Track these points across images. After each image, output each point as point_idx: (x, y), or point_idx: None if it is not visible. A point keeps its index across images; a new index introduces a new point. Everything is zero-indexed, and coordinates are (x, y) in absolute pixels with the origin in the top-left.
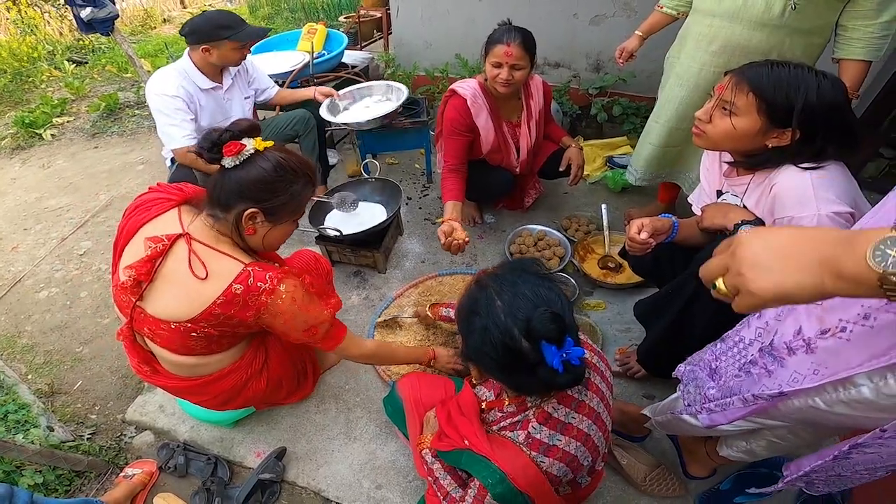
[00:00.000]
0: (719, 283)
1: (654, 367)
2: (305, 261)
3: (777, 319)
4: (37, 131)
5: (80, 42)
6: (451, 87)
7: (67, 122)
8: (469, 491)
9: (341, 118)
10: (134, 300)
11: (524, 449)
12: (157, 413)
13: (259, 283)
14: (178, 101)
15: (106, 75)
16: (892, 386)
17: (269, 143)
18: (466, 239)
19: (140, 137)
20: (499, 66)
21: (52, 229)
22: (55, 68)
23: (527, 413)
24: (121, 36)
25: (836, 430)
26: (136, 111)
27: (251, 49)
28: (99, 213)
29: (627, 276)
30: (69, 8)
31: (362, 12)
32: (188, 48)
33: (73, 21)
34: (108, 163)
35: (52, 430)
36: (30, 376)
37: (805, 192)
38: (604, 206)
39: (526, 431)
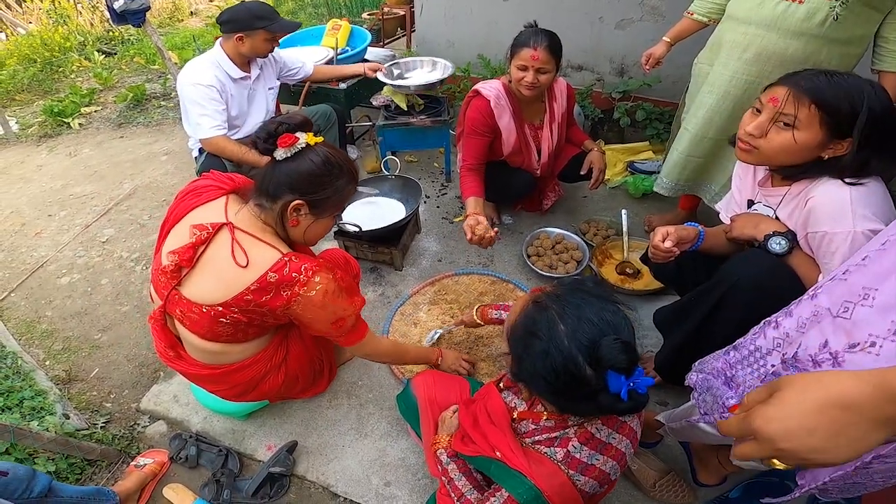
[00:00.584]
0: (777, 464)
1: (669, 375)
2: (336, 259)
3: (799, 331)
4: (65, 120)
5: (111, 33)
6: (475, 87)
7: (95, 111)
8: (492, 499)
9: (399, 82)
10: (173, 284)
11: (562, 467)
12: (171, 403)
13: (294, 274)
14: (212, 91)
15: (134, 66)
16: None
17: (320, 139)
18: (494, 232)
19: (165, 128)
20: (524, 69)
21: (76, 216)
22: (85, 59)
23: (566, 431)
24: (151, 28)
25: None
26: (162, 102)
27: (279, 42)
28: (122, 202)
29: (645, 282)
30: None
31: (386, 10)
32: (221, 37)
33: (105, 12)
34: (133, 152)
35: (67, 417)
36: (47, 362)
37: (842, 208)
38: (624, 211)
39: (565, 450)
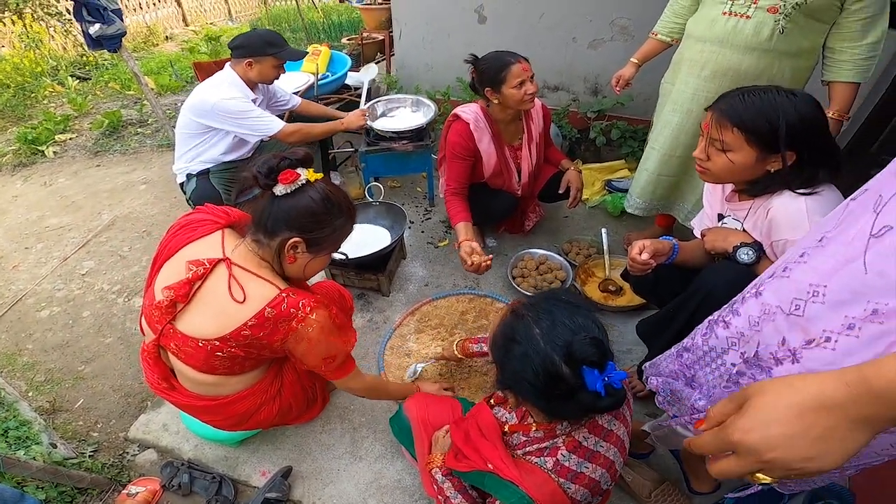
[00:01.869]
0: (763, 478)
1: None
2: (331, 293)
3: (753, 329)
4: (39, 148)
5: (84, 58)
6: (454, 111)
7: (70, 139)
8: None
9: (380, 124)
10: (167, 319)
11: (552, 475)
12: (160, 431)
13: (292, 309)
14: (248, 99)
15: (108, 92)
16: None
17: (319, 175)
18: (489, 260)
19: (142, 156)
20: (522, 83)
21: (53, 248)
22: (58, 84)
23: (555, 440)
24: (127, 53)
25: None
26: (139, 129)
27: (284, 69)
28: (101, 233)
29: (628, 298)
30: (77, 23)
31: (365, 34)
32: (231, 62)
33: (78, 36)
34: (111, 181)
35: (54, 446)
36: (30, 394)
37: (799, 216)
38: (604, 230)
39: (555, 458)
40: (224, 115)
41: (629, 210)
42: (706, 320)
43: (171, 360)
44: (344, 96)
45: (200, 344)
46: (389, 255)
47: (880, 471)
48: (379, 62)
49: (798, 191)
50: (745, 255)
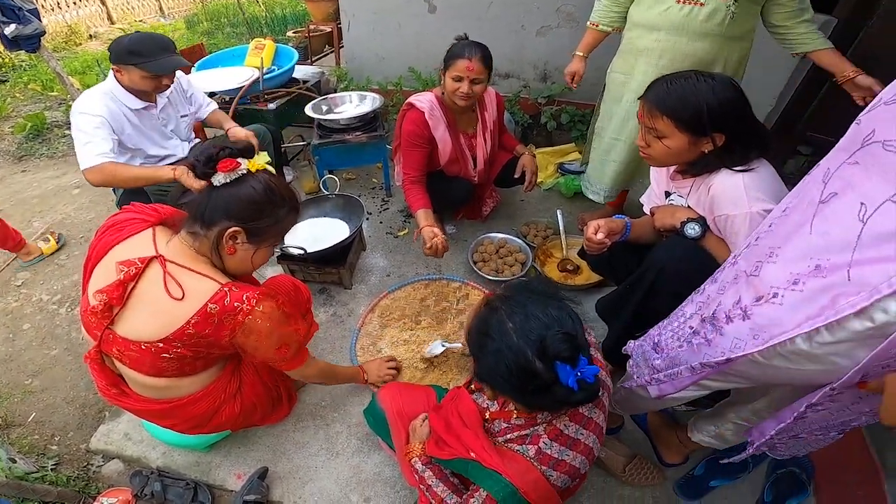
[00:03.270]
0: None
1: (618, 360)
2: (285, 288)
3: (719, 292)
4: None
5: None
6: (409, 100)
7: None
8: (471, 500)
9: (330, 116)
10: (105, 324)
11: (535, 463)
12: (123, 441)
13: (236, 303)
14: (97, 120)
15: (29, 94)
16: (825, 335)
17: (262, 165)
18: (445, 241)
19: (72, 159)
20: (459, 80)
21: None
22: None
23: (536, 428)
24: (48, 53)
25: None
26: (66, 131)
27: (173, 79)
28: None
29: (586, 277)
30: None
31: (312, 27)
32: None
33: None
34: (40, 187)
35: (13, 461)
36: None
37: (737, 192)
38: (559, 211)
39: (536, 446)
40: (72, 125)
41: (592, 198)
42: (694, 291)
43: (117, 366)
44: (293, 90)
45: (143, 347)
46: (349, 248)
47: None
48: (328, 55)
49: (735, 168)
50: (692, 230)
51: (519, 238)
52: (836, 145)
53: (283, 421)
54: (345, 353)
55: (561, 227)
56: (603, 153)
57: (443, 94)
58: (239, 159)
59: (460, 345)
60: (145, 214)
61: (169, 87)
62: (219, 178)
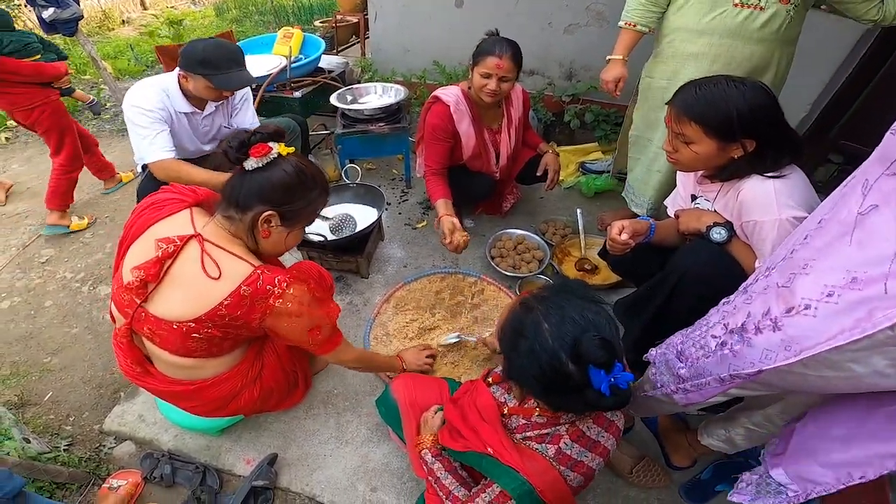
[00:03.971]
0: None
1: (634, 362)
2: (310, 272)
3: (746, 302)
4: None
5: None
6: (435, 93)
7: None
8: (483, 495)
9: (354, 106)
10: (139, 301)
11: (553, 463)
12: (136, 423)
13: (268, 286)
14: (155, 115)
15: None
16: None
17: (292, 149)
18: (466, 237)
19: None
20: (488, 76)
21: (10, 236)
22: None
23: (558, 428)
24: (84, 37)
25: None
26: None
27: (234, 92)
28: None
29: (603, 277)
30: (31, 9)
31: (339, 17)
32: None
33: (28, 22)
34: None
35: (27, 441)
36: None
37: (767, 199)
38: (579, 210)
39: (556, 446)
40: (126, 118)
41: (636, 210)
42: (722, 300)
43: (145, 346)
44: (318, 79)
45: (175, 326)
46: (368, 237)
47: None
48: (353, 45)
49: (766, 174)
50: (718, 235)
51: (537, 235)
52: (872, 155)
53: (296, 407)
54: (358, 342)
55: (580, 227)
56: (649, 163)
57: (469, 88)
58: (270, 143)
59: (475, 339)
60: (183, 195)
61: (227, 98)
62: (251, 163)
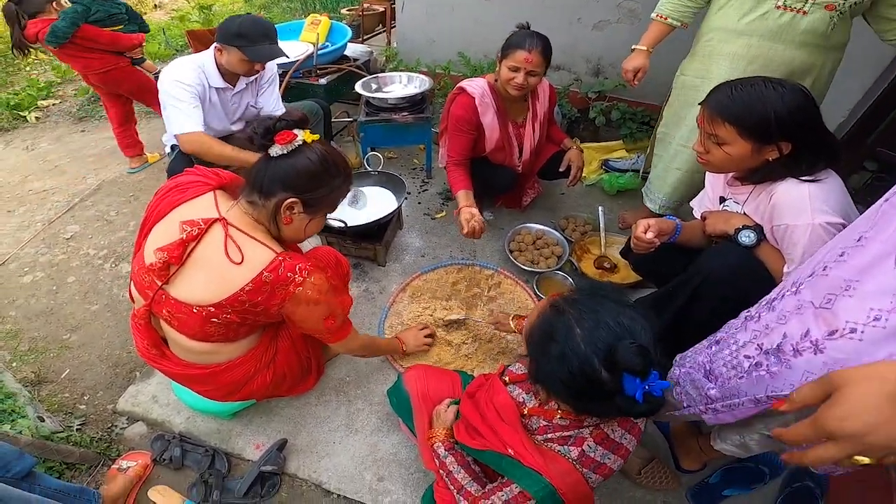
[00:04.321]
0: (864, 460)
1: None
2: (328, 258)
3: (779, 322)
4: (21, 113)
5: None
6: (460, 84)
7: (53, 104)
8: (500, 493)
9: (378, 94)
10: (160, 283)
11: (577, 466)
12: (150, 403)
13: (289, 273)
14: (191, 90)
15: None
16: None
17: (317, 137)
18: (482, 222)
19: None
20: (516, 70)
21: (36, 212)
22: (41, 52)
23: (581, 430)
24: None
25: None
26: None
27: (264, 67)
28: (87, 198)
29: (622, 276)
30: None
31: (366, 5)
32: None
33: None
34: (96, 147)
35: (41, 420)
36: (14, 364)
37: (801, 203)
38: (600, 208)
39: (580, 449)
40: (161, 92)
41: (649, 206)
42: (742, 315)
43: (162, 328)
44: (343, 67)
45: (195, 311)
46: (387, 225)
47: None
48: (379, 34)
49: (801, 178)
50: (747, 238)
51: (557, 231)
52: None
53: (308, 393)
54: (373, 330)
55: (601, 224)
56: (668, 159)
57: (496, 80)
58: (295, 131)
59: (481, 321)
60: (207, 178)
61: (258, 73)
62: (276, 150)
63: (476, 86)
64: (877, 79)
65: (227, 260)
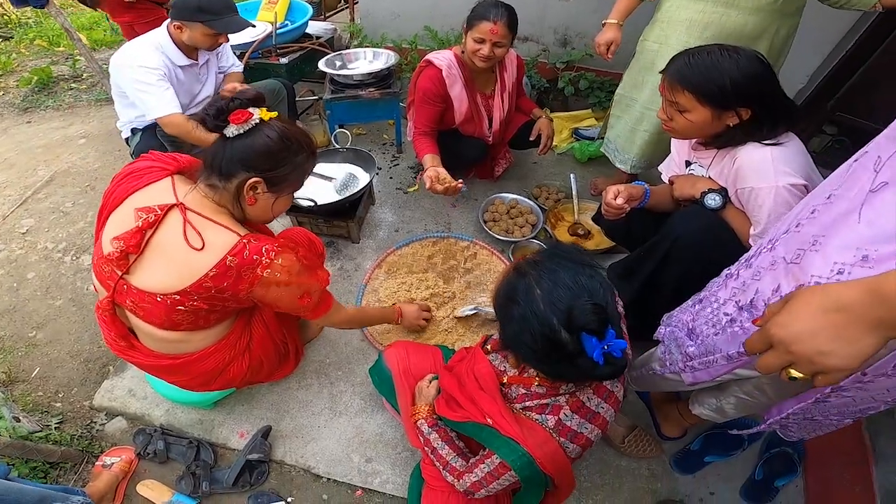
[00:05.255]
0: (794, 373)
1: (628, 328)
2: (299, 239)
3: (754, 278)
4: None
5: (4, 17)
6: (427, 57)
7: None
8: (481, 465)
9: (343, 71)
10: (120, 273)
11: (553, 434)
12: (127, 398)
13: (255, 256)
14: (158, 73)
15: (35, 50)
16: None
17: (274, 114)
18: (459, 183)
19: (79, 111)
20: (481, 41)
21: None
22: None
23: (558, 398)
24: (56, 9)
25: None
26: (73, 84)
27: (228, 38)
28: (40, 190)
29: (596, 241)
30: None
31: None
32: (168, 20)
33: None
34: (45, 137)
35: (17, 420)
36: None
37: (765, 166)
38: (572, 175)
39: (556, 417)
40: (127, 80)
41: (620, 167)
42: (723, 274)
43: (129, 318)
44: (305, 45)
45: (159, 299)
46: (359, 202)
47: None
48: (342, 11)
49: (763, 142)
50: (713, 201)
51: (530, 200)
52: (885, 132)
53: (288, 378)
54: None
55: (574, 192)
56: (634, 122)
57: (462, 52)
58: (251, 109)
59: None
60: (164, 163)
61: (221, 45)
62: (231, 130)
63: (443, 58)
64: (834, 47)
65: (187, 246)
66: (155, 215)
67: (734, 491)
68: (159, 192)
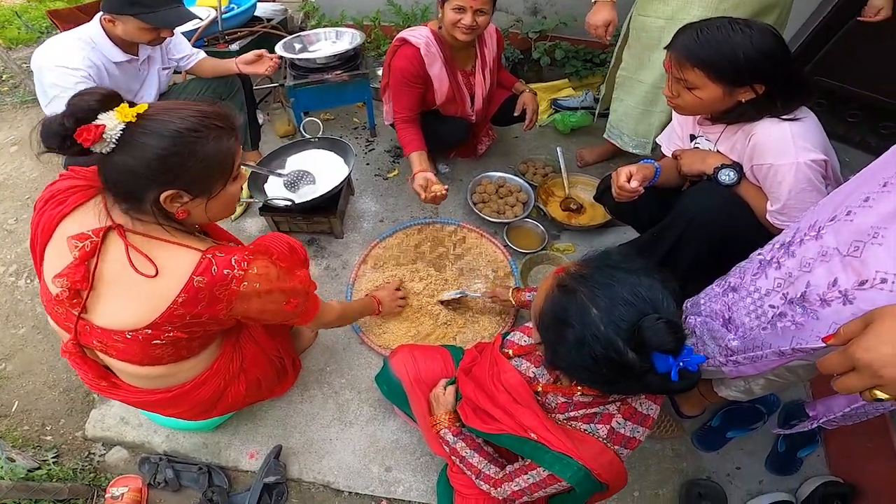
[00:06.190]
0: (881, 394)
1: None
2: (276, 247)
3: (803, 270)
4: None
5: None
6: (401, 35)
7: None
8: (524, 476)
9: (305, 55)
10: (76, 313)
11: (608, 444)
12: (120, 426)
13: (225, 271)
14: (79, 75)
15: None
16: None
17: (142, 108)
18: (445, 189)
19: (4, 115)
20: (461, 10)
21: None
22: None
23: (607, 407)
24: None
25: None
26: None
27: (173, 32)
28: None
29: (590, 216)
30: None
31: None
32: (100, 12)
33: None
34: None
35: (12, 460)
36: None
37: (784, 142)
38: (559, 148)
39: (608, 426)
40: (46, 82)
41: (636, 151)
42: (755, 259)
43: (102, 359)
44: (256, 29)
45: (129, 336)
46: (338, 194)
47: None
48: None
49: (781, 117)
50: (727, 177)
51: (518, 176)
52: None
53: (290, 391)
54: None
55: (562, 165)
56: (646, 104)
57: (440, 28)
58: (99, 118)
59: (479, 295)
60: (87, 180)
61: (165, 40)
62: (99, 148)
63: (419, 35)
64: (813, 10)
65: (138, 274)
66: (91, 242)
67: (759, 464)
68: (90, 215)
